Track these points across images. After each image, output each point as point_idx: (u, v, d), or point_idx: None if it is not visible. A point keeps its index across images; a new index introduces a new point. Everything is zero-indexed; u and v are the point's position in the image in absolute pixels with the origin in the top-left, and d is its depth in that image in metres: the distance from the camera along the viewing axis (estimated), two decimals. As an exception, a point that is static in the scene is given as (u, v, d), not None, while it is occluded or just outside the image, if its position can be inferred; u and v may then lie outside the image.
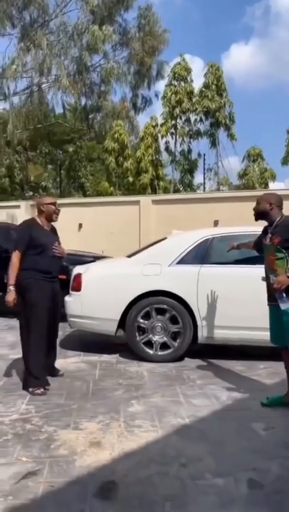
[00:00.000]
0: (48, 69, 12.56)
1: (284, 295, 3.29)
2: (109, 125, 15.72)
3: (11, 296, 3.86)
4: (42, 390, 3.81)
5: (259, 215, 3.62)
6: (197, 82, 18.17)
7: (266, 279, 3.53)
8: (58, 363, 4.65)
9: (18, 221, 12.51)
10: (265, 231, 3.64)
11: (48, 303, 3.93)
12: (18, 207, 13.71)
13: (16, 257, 3.91)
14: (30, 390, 3.81)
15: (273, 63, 57.77)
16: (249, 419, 3.26)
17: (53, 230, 4.20)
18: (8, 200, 15.73)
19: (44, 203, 4.11)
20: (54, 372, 4.23)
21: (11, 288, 3.86)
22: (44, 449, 2.77)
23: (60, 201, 15.21)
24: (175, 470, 2.53)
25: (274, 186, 21.91)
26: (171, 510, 2.15)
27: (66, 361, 4.79)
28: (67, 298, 5.29)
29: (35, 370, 3.84)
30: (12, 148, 15.00)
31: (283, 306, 3.30)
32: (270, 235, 3.50)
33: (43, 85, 14.24)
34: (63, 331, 6.21)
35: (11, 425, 3.14)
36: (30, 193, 21.25)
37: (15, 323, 6.97)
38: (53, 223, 4.17)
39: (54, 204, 4.11)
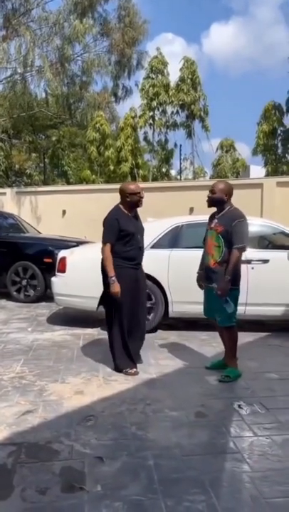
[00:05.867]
0: (32, 61, 12.92)
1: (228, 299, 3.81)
2: (91, 115, 16.23)
3: (116, 287, 3.88)
4: (135, 369, 4.00)
5: (215, 203, 3.92)
6: (179, 66, 18.80)
7: (204, 261, 4.01)
8: (46, 336, 5.34)
9: (5, 208, 12.97)
10: (212, 217, 4.06)
11: (131, 292, 3.99)
12: (3, 194, 13.96)
13: (108, 250, 3.96)
14: (124, 370, 3.99)
15: (254, 44, 58.23)
16: (205, 374, 4.01)
17: (136, 216, 4.20)
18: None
19: (128, 192, 4.04)
20: (138, 360, 4.22)
21: (114, 279, 3.90)
22: (38, 396, 3.48)
23: (44, 188, 15.53)
24: (141, 407, 3.27)
25: (253, 169, 22.76)
26: (136, 431, 2.89)
27: (54, 334, 5.47)
28: (53, 279, 5.95)
29: (124, 355, 4.03)
30: (-3, 138, 15.38)
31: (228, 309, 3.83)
32: (216, 221, 3.92)
33: (26, 74, 14.52)
34: (50, 308, 6.90)
35: (9, 381, 3.83)
36: (14, 179, 21.59)
37: (4, 303, 7.63)
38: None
39: (138, 193, 4.05)
